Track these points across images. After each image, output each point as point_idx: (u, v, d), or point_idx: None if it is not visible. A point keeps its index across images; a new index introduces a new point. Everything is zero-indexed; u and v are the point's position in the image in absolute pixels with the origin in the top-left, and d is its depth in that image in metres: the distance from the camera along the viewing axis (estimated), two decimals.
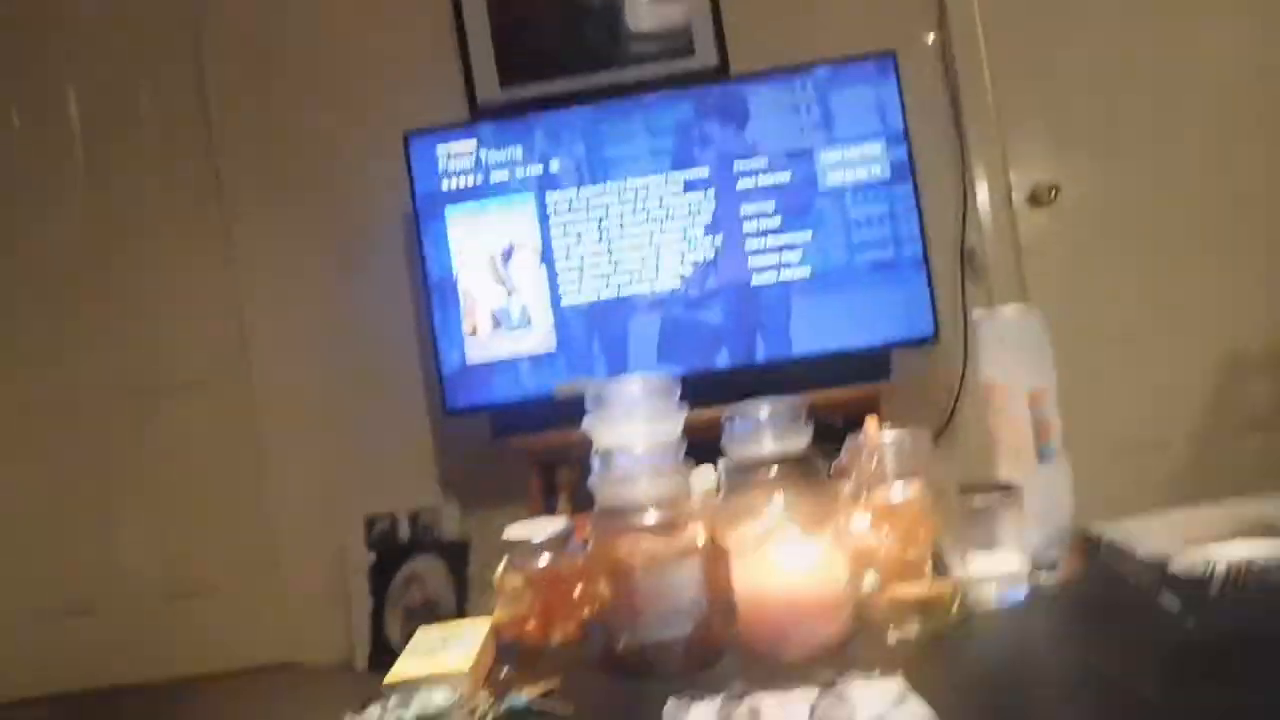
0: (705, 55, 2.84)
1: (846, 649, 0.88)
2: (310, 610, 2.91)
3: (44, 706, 2.90)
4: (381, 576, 2.77)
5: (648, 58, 2.87)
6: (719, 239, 2.52)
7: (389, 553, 2.81)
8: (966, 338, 2.77)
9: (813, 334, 2.50)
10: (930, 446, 0.94)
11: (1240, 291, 2.81)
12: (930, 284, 2.51)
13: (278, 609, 2.94)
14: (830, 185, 2.51)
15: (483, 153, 2.56)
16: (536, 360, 2.52)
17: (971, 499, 0.95)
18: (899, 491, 0.91)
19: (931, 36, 2.85)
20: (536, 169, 2.55)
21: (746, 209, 2.52)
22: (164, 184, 2.96)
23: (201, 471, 2.95)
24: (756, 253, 2.52)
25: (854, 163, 2.51)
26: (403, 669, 0.91)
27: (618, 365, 2.51)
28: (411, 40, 2.93)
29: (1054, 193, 2.79)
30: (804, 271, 2.51)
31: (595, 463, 0.93)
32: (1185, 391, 2.84)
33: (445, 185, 2.55)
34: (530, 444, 2.43)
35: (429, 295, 2.56)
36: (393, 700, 0.87)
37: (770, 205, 2.52)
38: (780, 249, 2.52)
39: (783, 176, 2.52)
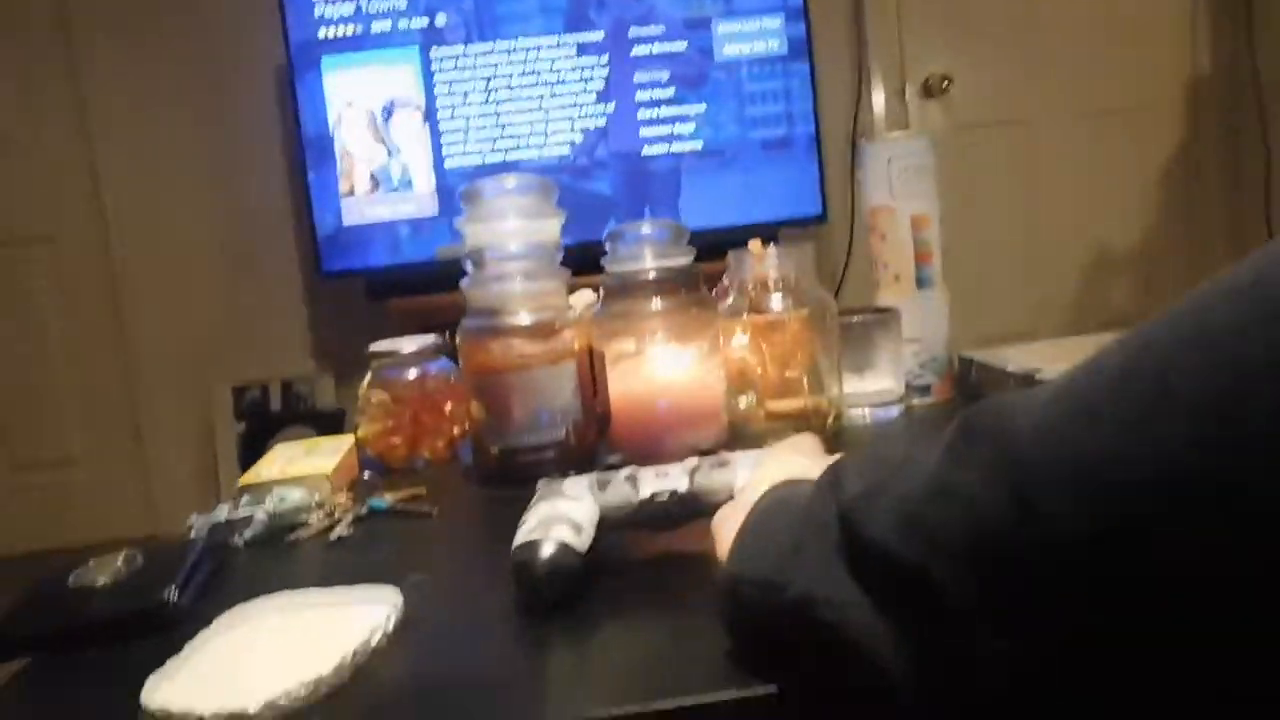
0: None
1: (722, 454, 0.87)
2: (175, 482, 2.80)
3: None
4: (251, 447, 2.67)
5: None
6: (611, 106, 2.45)
7: (260, 423, 2.71)
8: (854, 221, 2.79)
9: (702, 208, 2.47)
10: (812, 266, 0.92)
11: (1109, 192, 2.90)
12: (821, 165, 2.50)
13: (139, 481, 2.82)
14: (726, 57, 2.46)
15: (364, 2, 2.42)
16: (417, 224, 2.43)
17: (849, 320, 0.94)
18: (778, 304, 0.90)
19: None
20: (421, 21, 2.42)
21: (640, 77, 2.46)
22: (4, 15, 2.70)
23: (53, 334, 2.77)
24: (648, 123, 2.46)
25: (751, 35, 2.47)
26: (256, 473, 0.86)
27: None
28: None
29: (946, 84, 2.81)
30: (696, 144, 2.47)
31: (468, 265, 0.89)
32: (1054, 285, 2.93)
33: (322, 34, 2.40)
34: (409, 307, 2.35)
35: (303, 152, 2.42)
36: (244, 500, 0.82)
37: (665, 74, 2.46)
38: (673, 120, 2.47)
39: (679, 45, 2.45)
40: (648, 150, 2.46)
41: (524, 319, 0.85)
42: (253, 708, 0.47)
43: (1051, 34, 2.83)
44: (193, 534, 0.79)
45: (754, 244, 0.97)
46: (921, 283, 0.98)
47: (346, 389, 2.74)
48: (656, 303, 0.88)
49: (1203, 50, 2.89)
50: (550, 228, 0.89)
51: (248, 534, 0.78)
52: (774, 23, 2.47)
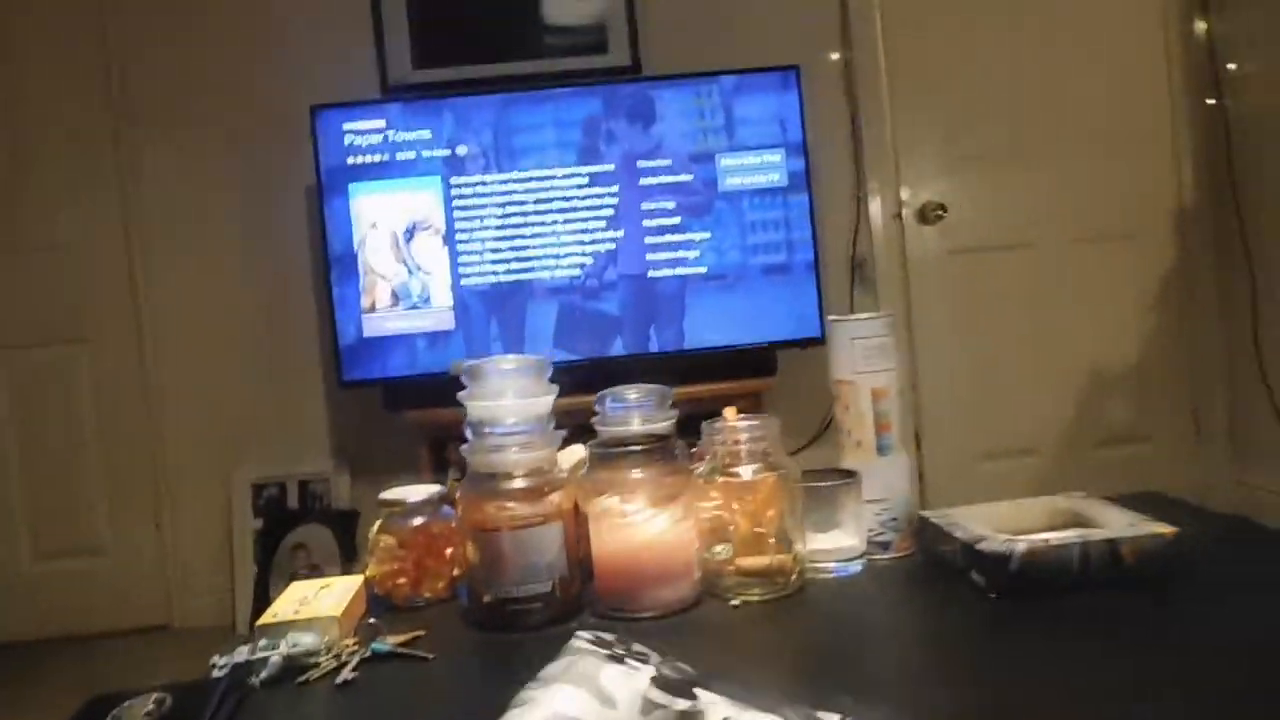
0: (619, 54, 2.91)
1: (693, 610, 0.96)
2: (192, 574, 2.90)
3: None
4: (268, 543, 2.77)
5: (562, 51, 2.92)
6: (620, 232, 2.60)
7: (277, 520, 2.81)
8: None
9: (705, 328, 2.60)
10: (778, 434, 1.03)
11: (1105, 315, 3.01)
12: (819, 288, 2.63)
13: (158, 571, 2.91)
14: (729, 188, 2.61)
15: (391, 132, 2.59)
16: (433, 337, 2.56)
17: (815, 484, 1.04)
18: (748, 472, 1.00)
19: (835, 55, 2.97)
20: (444, 152, 2.59)
21: (648, 205, 2.61)
22: (63, 133, 2.89)
23: (87, 428, 2.90)
24: (656, 248, 2.60)
25: (753, 169, 2.62)
26: (274, 613, 0.96)
27: (514, 347, 2.57)
28: (327, 12, 2.92)
29: (941, 212, 2.95)
30: (700, 269, 2.61)
31: (468, 432, 1.00)
32: (1051, 404, 3.02)
33: (351, 160, 2.58)
34: (422, 419, 2.47)
35: (328, 268, 2.58)
36: (262, 641, 0.92)
37: (671, 204, 2.61)
38: (679, 246, 2.61)
39: (685, 177, 2.61)
40: (654, 273, 2.60)
41: (517, 483, 0.96)
42: None
43: (1042, 163, 2.98)
44: (215, 673, 0.88)
45: (729, 411, 1.07)
46: (882, 449, 1.08)
47: (361, 489, 2.85)
48: (638, 466, 0.99)
49: (1188, 179, 3.03)
50: (543, 403, 1.00)
51: (264, 674, 0.88)
52: (775, 157, 2.62)
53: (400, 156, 2.59)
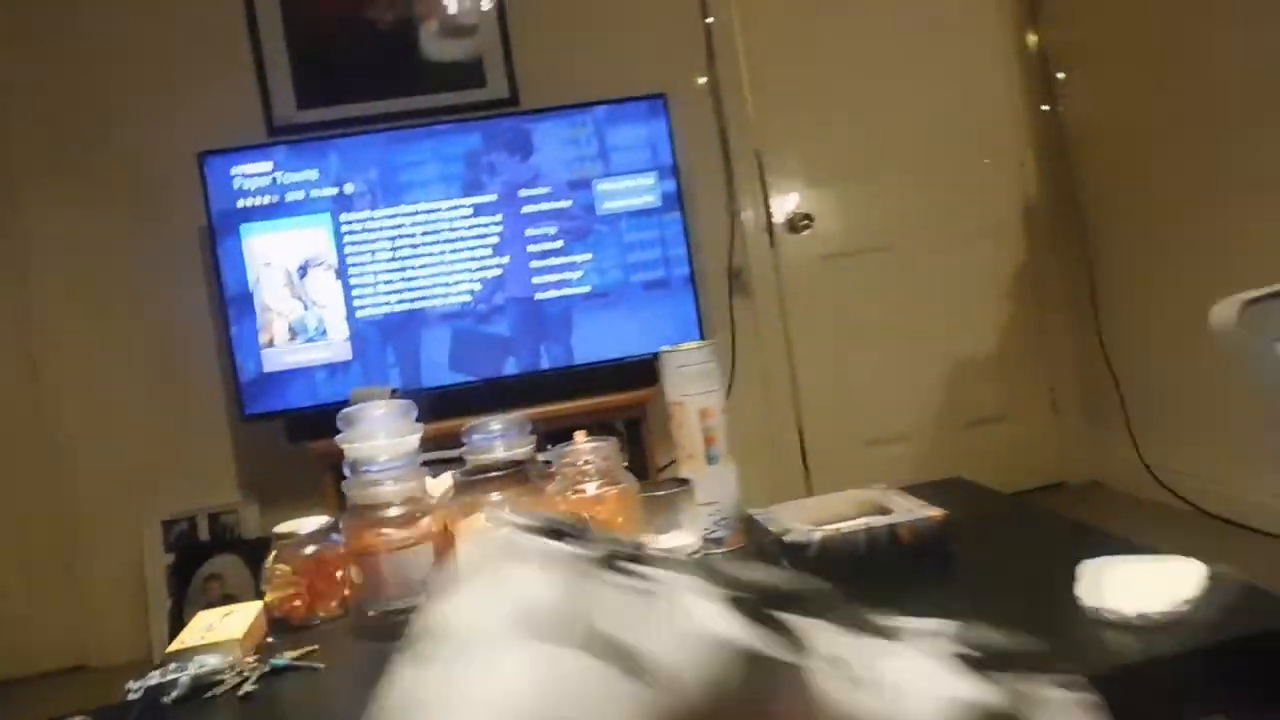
0: (497, 86, 3.06)
1: None
2: (106, 613, 2.96)
3: None
4: (181, 577, 2.85)
5: (442, 86, 3.05)
6: (506, 258, 2.75)
7: (189, 553, 2.89)
8: (734, 346, 3.10)
9: (592, 344, 2.76)
10: (618, 452, 1.19)
11: (965, 308, 3.26)
12: (696, 300, 2.81)
13: (71, 612, 2.97)
14: (607, 211, 2.78)
15: (279, 174, 2.69)
16: (332, 369, 2.68)
17: (655, 493, 1.21)
18: (593, 488, 1.16)
19: (703, 79, 3.16)
20: (332, 190, 2.70)
21: (531, 232, 2.76)
22: None
23: None
24: (541, 271, 2.76)
25: (629, 192, 2.79)
26: (181, 640, 1.10)
27: (411, 373, 2.70)
28: (210, 57, 3.01)
29: (808, 221, 3.16)
30: (584, 288, 2.77)
31: (347, 470, 1.14)
32: (923, 391, 3.26)
33: (241, 203, 2.67)
34: (325, 448, 2.58)
35: (225, 307, 2.67)
36: (172, 665, 1.05)
37: (553, 229, 2.76)
38: (562, 268, 2.77)
39: (565, 203, 2.77)
40: (540, 295, 2.75)
41: (392, 512, 1.11)
42: None
43: (898, 171, 3.22)
44: (130, 696, 1.02)
45: (579, 435, 1.24)
46: (710, 459, 1.25)
47: (271, 518, 2.94)
48: (498, 489, 1.15)
49: (1032, 181, 3.30)
50: (410, 441, 1.15)
51: (174, 694, 1.01)
52: (649, 180, 2.79)
53: (289, 197, 2.69)
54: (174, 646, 1.09)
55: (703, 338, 2.81)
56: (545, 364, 2.74)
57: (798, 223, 3.17)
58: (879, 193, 3.22)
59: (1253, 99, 2.42)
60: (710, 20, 3.14)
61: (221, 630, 1.12)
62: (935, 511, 1.13)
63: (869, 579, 1.06)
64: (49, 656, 2.95)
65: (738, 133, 3.15)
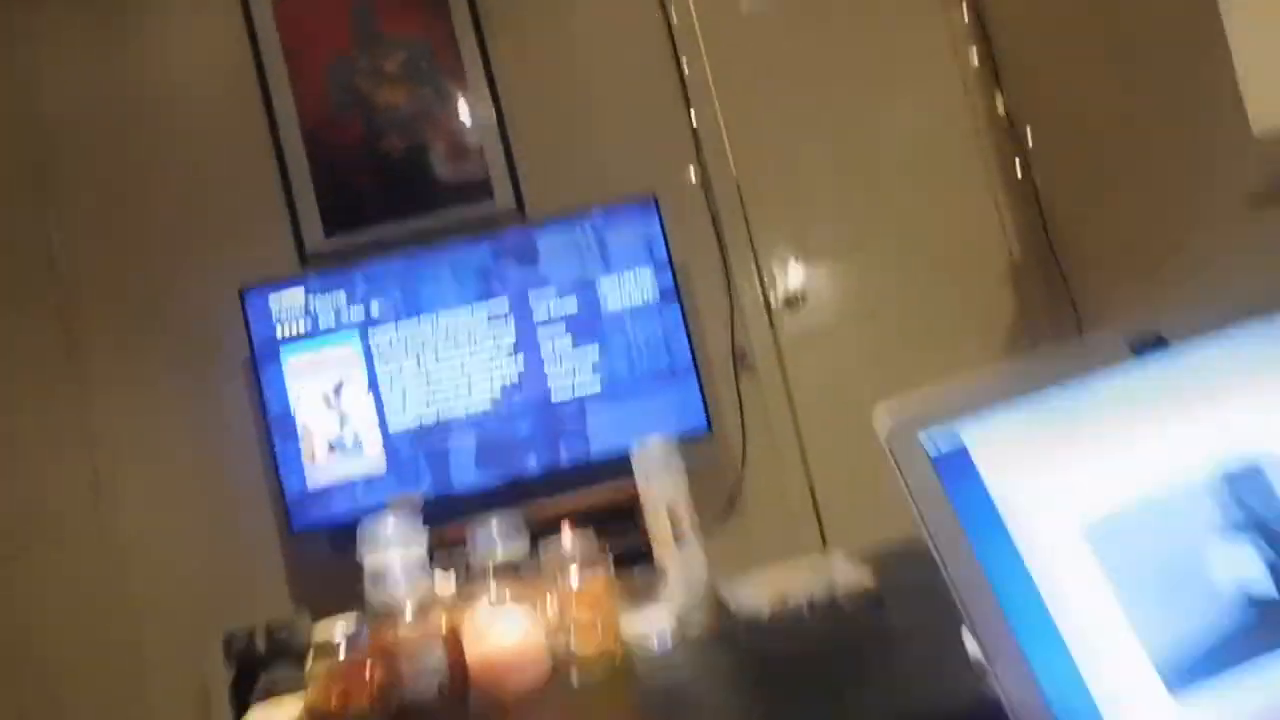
0: (504, 198, 3.30)
1: (547, 688, 1.30)
2: None
3: None
4: (241, 689, 3.04)
5: (454, 201, 3.30)
6: (521, 360, 2.96)
7: (248, 665, 3.08)
8: (744, 425, 3.28)
9: (607, 436, 2.94)
10: (597, 545, 1.37)
11: (957, 365, 3.41)
12: (700, 385, 3.00)
13: None
14: (611, 309, 2.99)
15: (310, 299, 2.95)
16: (370, 480, 2.89)
17: (631, 579, 1.39)
18: (575, 579, 1.34)
19: (692, 172, 3.39)
20: (359, 311, 2.94)
21: (542, 333, 2.97)
22: (13, 339, 3.22)
23: (66, 599, 3.18)
24: (555, 373, 2.96)
25: (629, 288, 3.00)
26: None
27: (441, 478, 2.90)
28: (244, 196, 3.29)
29: (802, 299, 3.35)
30: (595, 385, 2.97)
31: (368, 582, 1.34)
32: None
33: (279, 332, 2.92)
34: None
35: (270, 429, 2.91)
36: None
37: (562, 328, 2.98)
38: (574, 366, 2.97)
39: (571, 304, 2.98)
40: (555, 395, 2.95)
41: (407, 614, 1.30)
42: None
43: (884, 245, 3.40)
44: None
45: (565, 528, 1.42)
46: (679, 542, 1.43)
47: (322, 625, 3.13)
48: (495, 583, 1.33)
49: (1015, 247, 3.46)
50: (417, 550, 1.34)
51: None
52: (646, 274, 3.01)
53: (322, 321, 2.94)
54: None
55: (709, 419, 3.00)
56: (564, 459, 2.93)
57: (794, 300, 3.35)
58: (867, 267, 3.40)
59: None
60: (694, 120, 3.38)
61: None
62: (866, 578, 1.29)
63: (813, 647, 1.22)
64: None
65: (729, 221, 3.37)
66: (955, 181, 3.46)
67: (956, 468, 0.63)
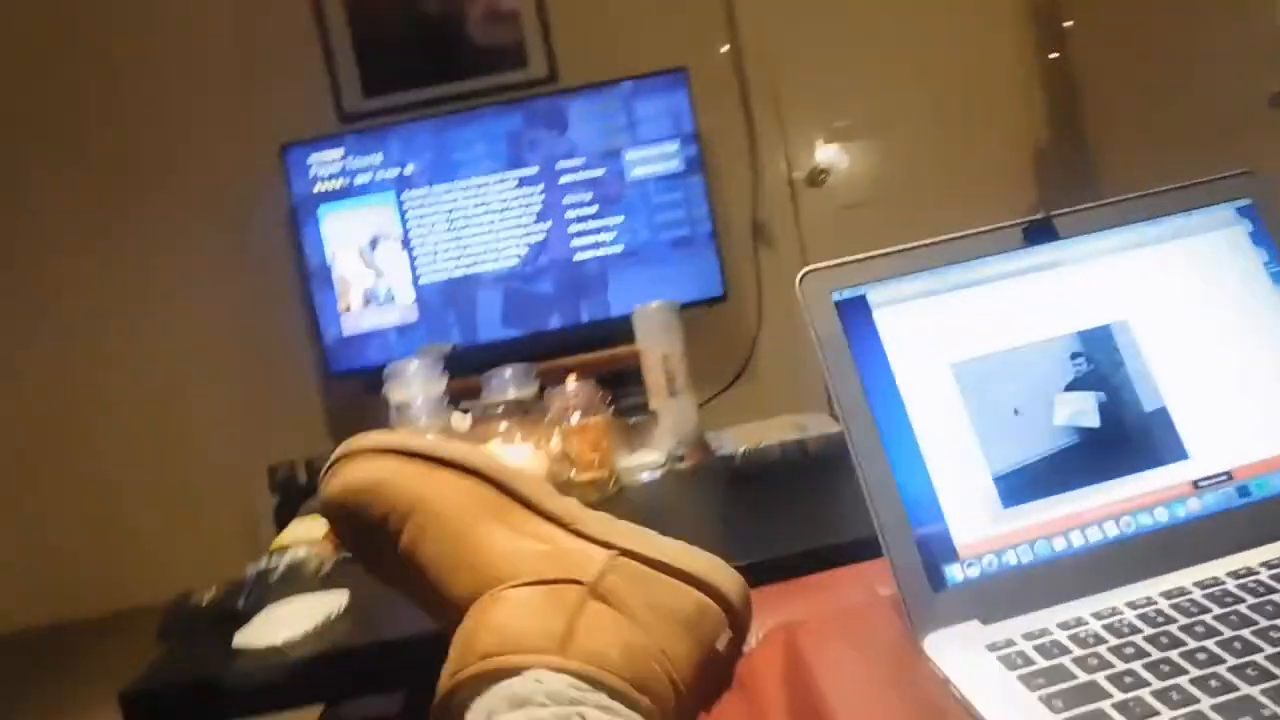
0: (537, 67, 3.39)
1: None
2: (224, 545, 3.45)
3: None
4: (284, 513, 3.32)
5: (488, 69, 3.39)
6: (547, 225, 3.10)
7: (289, 494, 3.36)
8: (760, 295, 3.42)
9: (626, 298, 3.09)
10: (598, 392, 1.54)
11: None
12: (719, 255, 3.13)
13: (195, 546, 3.47)
14: (636, 178, 3.11)
15: (348, 159, 3.08)
16: (402, 330, 3.09)
17: (629, 420, 1.57)
18: (578, 418, 1.52)
19: (725, 47, 3.44)
20: (394, 172, 3.08)
21: (569, 199, 3.10)
22: (64, 189, 3.40)
23: (126, 437, 3.46)
24: (578, 235, 3.10)
25: (654, 160, 3.11)
26: (280, 540, 1.50)
27: (469, 330, 3.08)
28: (285, 54, 3.40)
29: (823, 175, 3.44)
30: (617, 248, 3.11)
31: (393, 414, 1.52)
32: None
33: (317, 188, 3.08)
34: None
35: (308, 280, 3.09)
36: (274, 556, 1.45)
37: (588, 196, 3.10)
38: (598, 231, 3.11)
39: (597, 172, 3.10)
40: (579, 256, 3.10)
41: None
42: (279, 640, 1.10)
43: (910, 124, 3.45)
44: (247, 574, 1.42)
45: (570, 378, 1.59)
46: (673, 393, 1.60)
47: None
48: (505, 421, 1.51)
49: (1041, 126, 3.50)
50: (437, 388, 1.52)
51: (276, 575, 1.42)
52: (672, 147, 3.11)
53: (358, 180, 3.09)
54: (275, 544, 1.49)
55: (724, 288, 3.14)
56: (585, 317, 3.10)
57: (816, 177, 3.44)
58: (893, 144, 3.47)
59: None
60: None
61: (308, 534, 1.51)
62: (836, 429, 1.45)
63: (777, 481, 1.40)
64: (179, 583, 3.45)
65: (758, 95, 3.43)
66: (988, 61, 3.48)
67: (854, 312, 0.78)
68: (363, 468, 0.72)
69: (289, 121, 3.26)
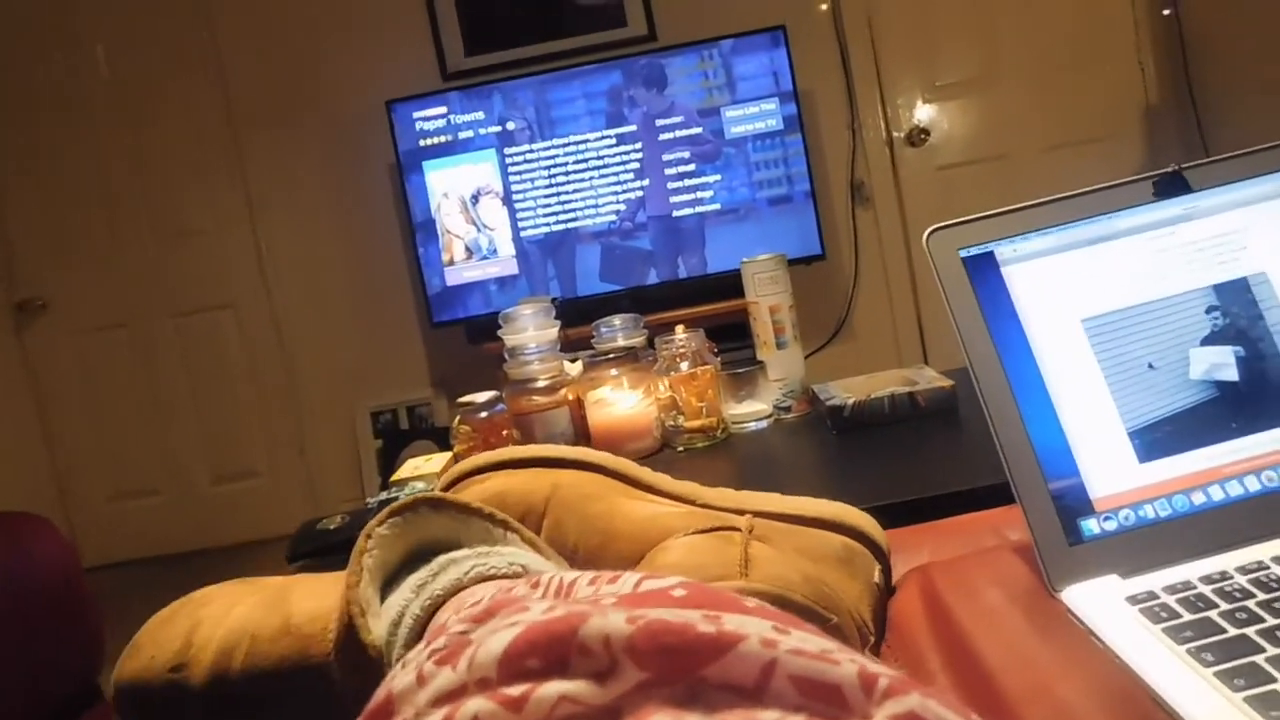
0: (636, 25, 3.40)
1: (655, 455, 1.54)
2: (331, 486, 3.60)
3: (116, 571, 3.61)
4: (388, 458, 3.45)
5: (588, 27, 3.41)
6: (646, 181, 3.13)
7: (392, 438, 3.48)
8: (857, 254, 3.40)
9: (724, 255, 3.12)
10: (706, 342, 1.58)
11: None
12: (817, 214, 3.13)
13: (303, 485, 3.63)
14: (734, 135, 3.11)
15: (452, 116, 3.15)
16: (502, 281, 3.16)
17: (735, 371, 1.60)
18: (685, 366, 1.56)
19: (824, 5, 3.40)
20: (497, 128, 3.14)
21: (667, 157, 3.12)
22: (188, 137, 3.54)
23: (239, 379, 3.61)
24: (676, 192, 3.13)
25: (753, 117, 3.11)
26: (400, 473, 1.57)
27: (568, 284, 3.14)
28: (391, 14, 3.47)
29: (923, 135, 3.39)
30: (715, 206, 3.13)
31: (506, 355, 1.58)
32: None
33: (422, 143, 3.15)
34: (498, 348, 3.06)
35: (413, 233, 3.18)
36: (394, 488, 1.53)
37: (686, 154, 3.12)
38: (695, 188, 3.13)
39: (696, 130, 3.11)
40: (677, 213, 3.13)
41: (539, 384, 1.54)
42: None
43: (1014, 82, 3.38)
44: (369, 504, 1.50)
45: (678, 329, 1.63)
46: (780, 345, 1.62)
47: (455, 408, 3.48)
48: (616, 368, 1.56)
49: (1152, 84, 3.40)
50: (550, 333, 1.57)
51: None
52: (771, 105, 3.10)
53: (461, 135, 3.15)
54: (395, 476, 1.56)
55: (823, 247, 3.14)
56: (683, 273, 3.13)
57: (916, 136, 3.40)
58: (996, 103, 3.41)
59: None
60: None
61: (425, 468, 1.59)
62: (946, 382, 1.47)
63: (891, 433, 1.42)
64: (288, 522, 3.62)
65: (858, 54, 3.39)
66: (1096, 18, 3.38)
67: (982, 268, 0.80)
68: (479, 488, 0.73)
69: (395, 78, 3.34)
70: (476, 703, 0.32)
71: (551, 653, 0.33)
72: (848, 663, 0.31)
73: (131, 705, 0.61)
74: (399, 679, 0.36)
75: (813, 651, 0.31)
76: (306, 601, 0.59)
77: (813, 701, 0.30)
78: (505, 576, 0.53)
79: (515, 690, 0.32)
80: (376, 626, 0.50)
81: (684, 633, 0.32)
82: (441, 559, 0.54)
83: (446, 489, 0.75)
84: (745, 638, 0.32)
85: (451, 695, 0.33)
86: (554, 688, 0.32)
